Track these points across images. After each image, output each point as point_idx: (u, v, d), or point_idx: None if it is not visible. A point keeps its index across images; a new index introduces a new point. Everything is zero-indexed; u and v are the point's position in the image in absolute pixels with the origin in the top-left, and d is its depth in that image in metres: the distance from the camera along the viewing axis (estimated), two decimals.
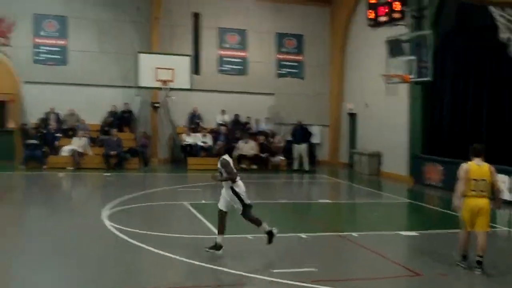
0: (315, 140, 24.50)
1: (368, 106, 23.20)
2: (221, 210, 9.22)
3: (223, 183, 9.23)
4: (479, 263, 8.33)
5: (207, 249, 9.01)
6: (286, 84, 25.50)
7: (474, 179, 8.32)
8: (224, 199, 9.23)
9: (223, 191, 9.29)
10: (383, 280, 8.31)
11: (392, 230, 11.71)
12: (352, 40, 25.06)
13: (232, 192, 9.10)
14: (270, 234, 9.25)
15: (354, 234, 10.95)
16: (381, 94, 20.91)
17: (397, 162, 20.94)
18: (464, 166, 8.47)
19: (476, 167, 8.40)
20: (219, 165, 9.17)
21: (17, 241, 10.30)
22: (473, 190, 8.33)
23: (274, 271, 8.29)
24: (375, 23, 19.77)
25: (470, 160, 8.56)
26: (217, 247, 9.04)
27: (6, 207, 13.65)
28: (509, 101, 16.59)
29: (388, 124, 21.68)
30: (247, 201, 9.17)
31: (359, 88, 24.27)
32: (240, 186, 9.17)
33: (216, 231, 10.25)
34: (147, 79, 21.41)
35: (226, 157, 9.24)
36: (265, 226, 9.25)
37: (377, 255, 9.59)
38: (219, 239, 9.10)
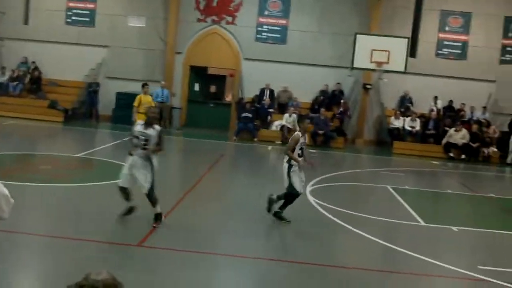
0: None
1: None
2: None
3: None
4: None
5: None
6: (509, 72, 23.59)
7: None
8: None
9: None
10: None
11: None
12: None
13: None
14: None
15: None
16: None
17: None
18: None
19: None
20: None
21: (222, 206, 11.02)
22: None
23: (481, 267, 7.81)
24: None
25: None
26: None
27: (217, 173, 14.67)
28: None
29: None
30: None
31: None
32: None
33: (418, 217, 10.05)
34: (361, 60, 21.28)
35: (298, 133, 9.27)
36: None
37: None
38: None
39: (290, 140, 9.37)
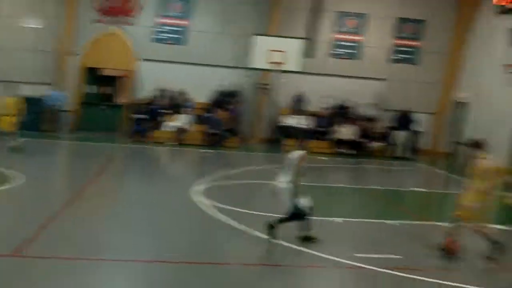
0: (418, 128, 23.63)
1: None
2: None
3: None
4: None
5: None
6: (399, 70, 24.75)
7: None
8: None
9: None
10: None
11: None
12: (475, 29, 23.79)
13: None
14: None
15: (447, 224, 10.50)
16: (499, 85, 20.18)
17: (503, 155, 19.44)
18: None
19: None
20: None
21: (110, 207, 10.91)
22: None
23: (357, 255, 8.20)
24: (502, 10, 18.74)
25: None
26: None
27: (106, 176, 14.44)
28: None
29: (504, 115, 20.45)
30: None
31: (475, 78, 23.13)
32: None
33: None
34: (259, 60, 21.58)
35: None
36: None
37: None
38: None
39: (298, 159, 8.87)
